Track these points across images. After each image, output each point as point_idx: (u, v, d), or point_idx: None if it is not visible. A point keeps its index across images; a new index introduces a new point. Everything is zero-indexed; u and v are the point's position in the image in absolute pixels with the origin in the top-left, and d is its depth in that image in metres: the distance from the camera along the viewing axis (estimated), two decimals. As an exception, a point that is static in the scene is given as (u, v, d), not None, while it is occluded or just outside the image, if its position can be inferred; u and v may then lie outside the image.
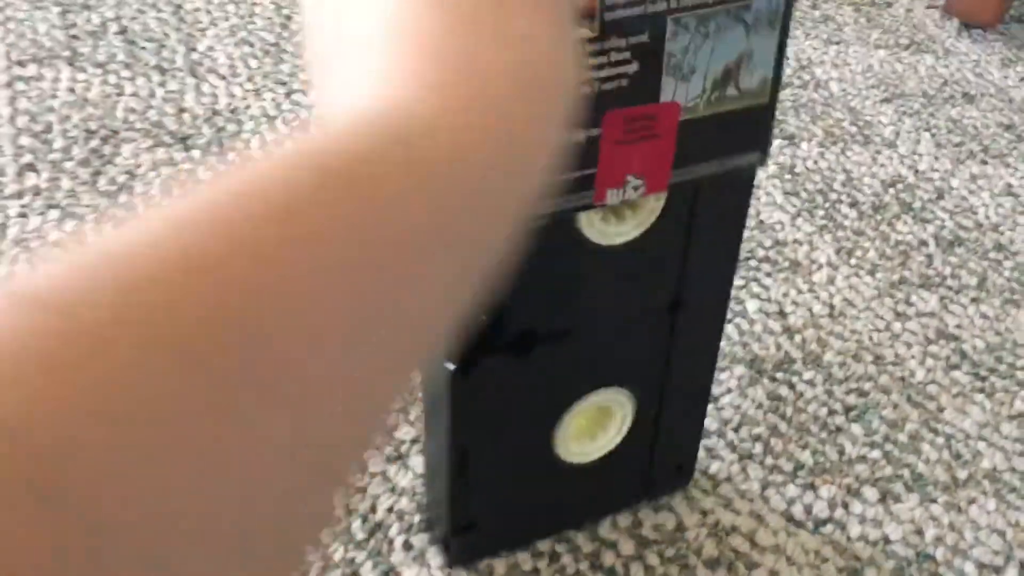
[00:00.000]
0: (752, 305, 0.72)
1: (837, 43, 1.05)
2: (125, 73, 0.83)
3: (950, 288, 0.77)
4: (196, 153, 0.76)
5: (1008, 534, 0.60)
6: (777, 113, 0.93)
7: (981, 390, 0.69)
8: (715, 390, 0.65)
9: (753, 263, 0.76)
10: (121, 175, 0.73)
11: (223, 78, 0.85)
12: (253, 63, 0.87)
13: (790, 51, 1.02)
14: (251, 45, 0.89)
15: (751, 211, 0.81)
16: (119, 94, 0.81)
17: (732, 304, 0.72)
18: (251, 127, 0.80)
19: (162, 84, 0.83)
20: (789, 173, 0.86)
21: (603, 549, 0.55)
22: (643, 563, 0.55)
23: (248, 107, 0.82)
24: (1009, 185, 0.89)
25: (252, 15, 0.93)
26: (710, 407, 0.64)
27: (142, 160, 0.75)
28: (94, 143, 0.76)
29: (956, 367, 0.70)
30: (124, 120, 0.78)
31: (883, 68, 1.02)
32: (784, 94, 0.96)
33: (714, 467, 0.60)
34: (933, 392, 0.68)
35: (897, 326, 0.73)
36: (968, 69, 1.05)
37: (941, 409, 0.67)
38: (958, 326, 0.74)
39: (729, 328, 0.70)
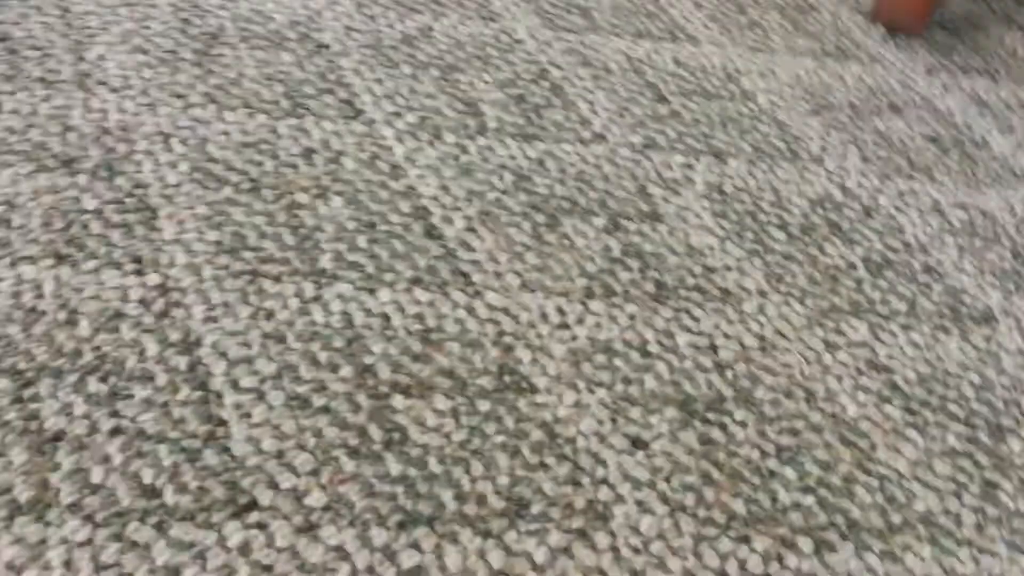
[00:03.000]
0: (682, 339, 0.69)
1: (764, 51, 1.03)
2: (5, 87, 0.76)
3: (880, 315, 0.75)
4: (82, 178, 0.70)
5: (943, 584, 0.58)
6: (704, 127, 0.90)
7: (913, 425, 0.67)
8: (646, 435, 0.62)
9: (683, 293, 0.73)
10: None
11: (114, 91, 0.78)
12: (148, 73, 0.81)
13: (716, 61, 1.00)
14: (146, 53, 0.83)
15: (679, 236, 0.78)
16: (-2, 112, 0.74)
17: (662, 339, 0.69)
18: (144, 147, 0.74)
19: (46, 99, 0.76)
20: (718, 193, 0.83)
21: (530, 621, 0.52)
22: (572, 634, 0.52)
23: (141, 124, 0.76)
24: (936, 202, 0.88)
25: (147, 18, 0.87)
26: (640, 455, 0.61)
27: (22, 188, 0.68)
28: (-31, 169, 0.69)
29: (888, 401, 0.69)
30: (3, 141, 0.71)
31: (810, 78, 1.01)
32: (712, 106, 0.93)
33: (645, 523, 0.57)
34: (866, 429, 0.66)
35: (828, 358, 0.71)
36: (894, 78, 1.04)
37: (874, 447, 0.65)
38: (889, 356, 0.72)
39: (659, 366, 0.67)
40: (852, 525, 0.60)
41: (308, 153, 0.77)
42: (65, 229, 0.66)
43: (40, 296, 0.61)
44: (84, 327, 0.60)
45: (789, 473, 0.62)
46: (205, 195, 0.71)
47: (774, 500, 0.61)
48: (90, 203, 0.68)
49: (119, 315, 0.61)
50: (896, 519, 0.61)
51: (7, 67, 0.78)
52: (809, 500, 0.61)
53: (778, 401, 0.67)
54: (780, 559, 0.57)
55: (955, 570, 0.59)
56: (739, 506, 0.60)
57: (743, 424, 0.65)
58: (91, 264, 0.64)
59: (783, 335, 0.72)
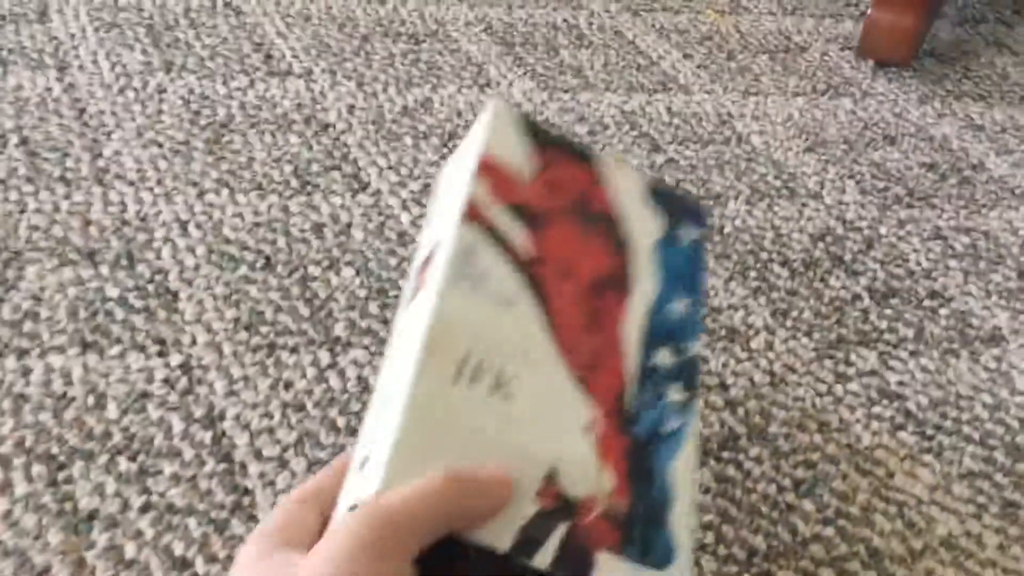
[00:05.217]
0: (692, 381, 0.71)
1: (755, 94, 1.06)
2: (27, 188, 0.80)
3: (888, 343, 0.76)
4: (104, 269, 0.73)
5: (969, 605, 0.58)
6: (701, 172, 0.93)
7: (929, 450, 0.68)
8: (661, 477, 0.63)
9: (690, 335, 0.74)
10: (26, 300, 0.70)
11: (131, 184, 0.82)
12: (162, 164, 0.84)
13: (709, 107, 1.02)
14: (160, 146, 0.87)
15: (684, 280, 0.79)
16: (21, 211, 0.77)
17: (672, 382, 0.70)
18: (162, 234, 0.77)
19: (67, 196, 0.80)
20: (719, 235, 0.85)
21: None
22: None
23: (159, 213, 0.79)
24: (937, 228, 0.90)
25: (159, 113, 0.91)
26: (658, 497, 0.62)
27: (48, 282, 0.71)
28: (-3, 267, 0.72)
29: (902, 428, 0.69)
30: (27, 239, 0.75)
31: (803, 116, 1.03)
32: (707, 152, 0.95)
33: (666, 564, 0.58)
34: (881, 457, 0.67)
35: (839, 388, 0.72)
36: (887, 110, 1.06)
37: (891, 475, 0.66)
38: (900, 383, 0.73)
39: (671, 409, 0.68)
40: (873, 553, 0.61)
41: (318, 228, 0.80)
42: (91, 318, 0.69)
43: (69, 383, 0.63)
44: (112, 410, 0.62)
45: (807, 506, 0.63)
46: (222, 275, 0.74)
47: (794, 533, 0.61)
48: (113, 291, 0.71)
49: (145, 395, 0.63)
50: (917, 544, 0.61)
51: (28, 169, 0.82)
52: (829, 531, 0.62)
53: (792, 435, 0.68)
54: (803, 591, 0.58)
55: (980, 591, 0.59)
56: (759, 541, 0.60)
57: (758, 460, 0.66)
58: (116, 349, 0.66)
59: (792, 369, 0.73)
